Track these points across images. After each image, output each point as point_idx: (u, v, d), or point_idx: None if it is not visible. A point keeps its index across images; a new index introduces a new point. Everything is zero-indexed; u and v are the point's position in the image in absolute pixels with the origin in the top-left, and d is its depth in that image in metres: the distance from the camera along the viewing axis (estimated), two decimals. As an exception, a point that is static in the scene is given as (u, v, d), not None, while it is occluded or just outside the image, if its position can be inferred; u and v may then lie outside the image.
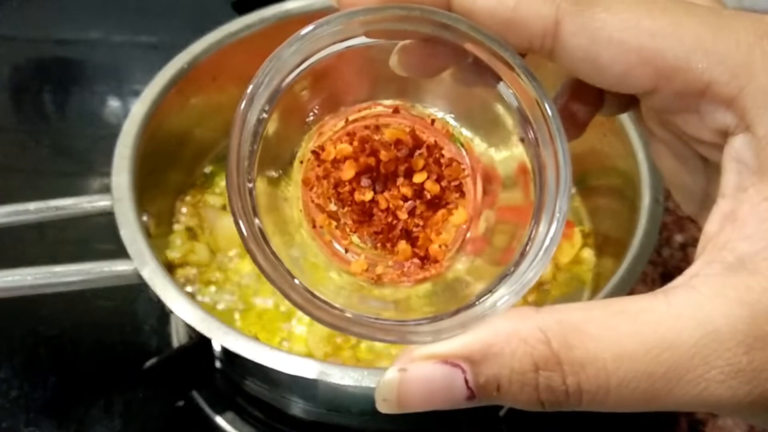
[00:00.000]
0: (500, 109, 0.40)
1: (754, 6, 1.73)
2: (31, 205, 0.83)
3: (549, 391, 0.34)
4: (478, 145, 0.45)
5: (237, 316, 0.89)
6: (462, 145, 0.45)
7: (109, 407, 0.93)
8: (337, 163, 0.44)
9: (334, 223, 0.45)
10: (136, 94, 0.94)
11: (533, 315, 0.35)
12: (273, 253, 0.36)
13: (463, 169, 0.44)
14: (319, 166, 0.44)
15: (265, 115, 0.38)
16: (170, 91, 0.93)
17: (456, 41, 0.38)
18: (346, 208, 0.44)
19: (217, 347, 0.77)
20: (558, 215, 0.37)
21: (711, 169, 0.41)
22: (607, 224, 0.96)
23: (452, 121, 0.45)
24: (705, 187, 0.43)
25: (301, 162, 0.44)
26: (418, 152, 0.44)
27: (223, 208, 0.99)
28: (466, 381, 0.34)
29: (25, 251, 1.08)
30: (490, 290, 0.37)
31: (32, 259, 1.08)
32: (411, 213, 0.44)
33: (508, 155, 0.42)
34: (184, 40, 0.98)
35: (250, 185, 0.37)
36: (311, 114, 0.44)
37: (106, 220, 0.81)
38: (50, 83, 1.37)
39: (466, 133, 0.45)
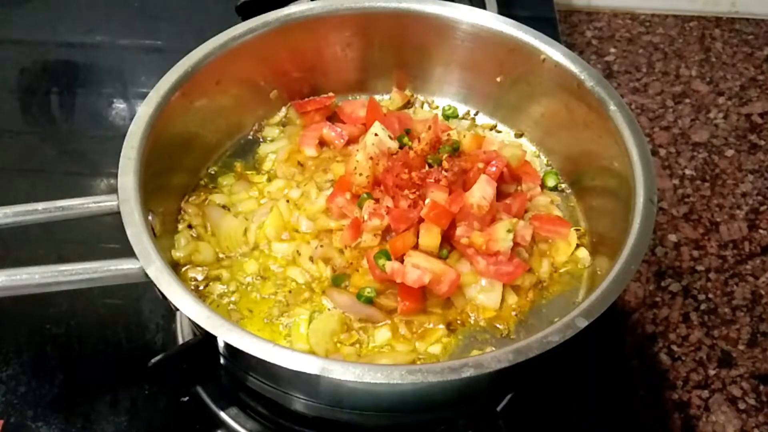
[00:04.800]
0: None
1: (748, 11, 1.73)
2: (39, 205, 0.84)
3: None
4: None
5: (241, 313, 0.90)
6: None
7: (115, 403, 0.94)
8: None
9: None
10: (142, 96, 0.95)
11: None
12: None
13: None
14: None
15: None
16: (175, 93, 0.94)
17: None
18: None
19: (221, 344, 0.78)
20: None
21: None
22: (602, 224, 0.97)
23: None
24: None
25: None
26: None
27: (227, 208, 1.00)
28: None
29: (32, 250, 1.10)
30: None
31: (40, 258, 1.09)
32: None
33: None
34: (188, 43, 0.99)
35: None
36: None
37: (113, 219, 0.82)
38: (57, 86, 1.38)
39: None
